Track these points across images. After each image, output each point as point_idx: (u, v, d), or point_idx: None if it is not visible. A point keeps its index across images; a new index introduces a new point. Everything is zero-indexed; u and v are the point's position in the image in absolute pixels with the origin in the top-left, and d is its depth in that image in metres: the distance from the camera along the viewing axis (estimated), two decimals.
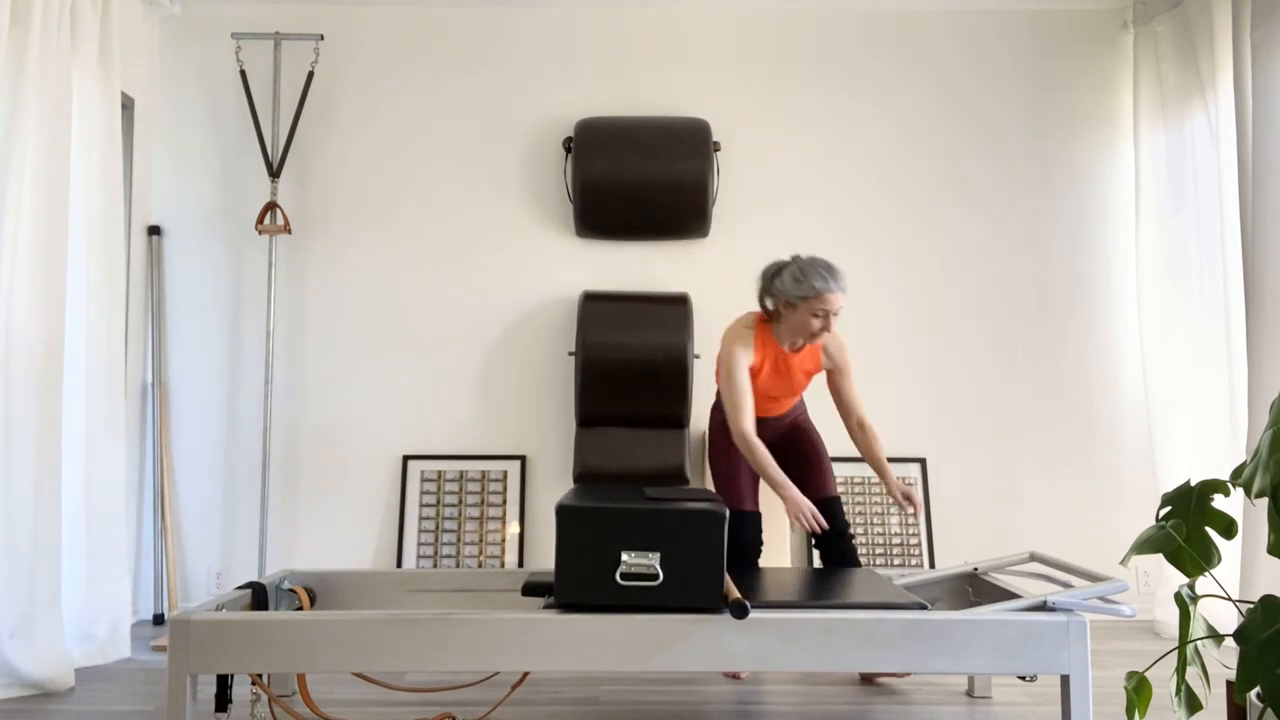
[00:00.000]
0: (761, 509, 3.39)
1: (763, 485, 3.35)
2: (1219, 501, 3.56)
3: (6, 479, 3.14)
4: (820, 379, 3.84)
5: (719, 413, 3.44)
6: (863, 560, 4.20)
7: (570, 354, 4.29)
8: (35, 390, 3.22)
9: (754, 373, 3.28)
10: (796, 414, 3.46)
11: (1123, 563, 2.06)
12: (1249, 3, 3.51)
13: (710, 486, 4.21)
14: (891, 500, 3.35)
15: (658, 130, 4.19)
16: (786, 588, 2.81)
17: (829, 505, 3.32)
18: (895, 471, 4.31)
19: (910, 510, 3.25)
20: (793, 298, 3.16)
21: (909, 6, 4.45)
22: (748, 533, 3.30)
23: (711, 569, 2.50)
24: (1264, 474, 1.80)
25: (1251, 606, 1.72)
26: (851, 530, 3.36)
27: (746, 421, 3.18)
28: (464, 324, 4.38)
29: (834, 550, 3.30)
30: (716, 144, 4.35)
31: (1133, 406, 4.37)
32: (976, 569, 3.19)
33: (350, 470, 4.33)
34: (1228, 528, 1.89)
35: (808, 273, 3.14)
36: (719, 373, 3.27)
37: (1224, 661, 3.30)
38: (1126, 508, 4.34)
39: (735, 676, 3.34)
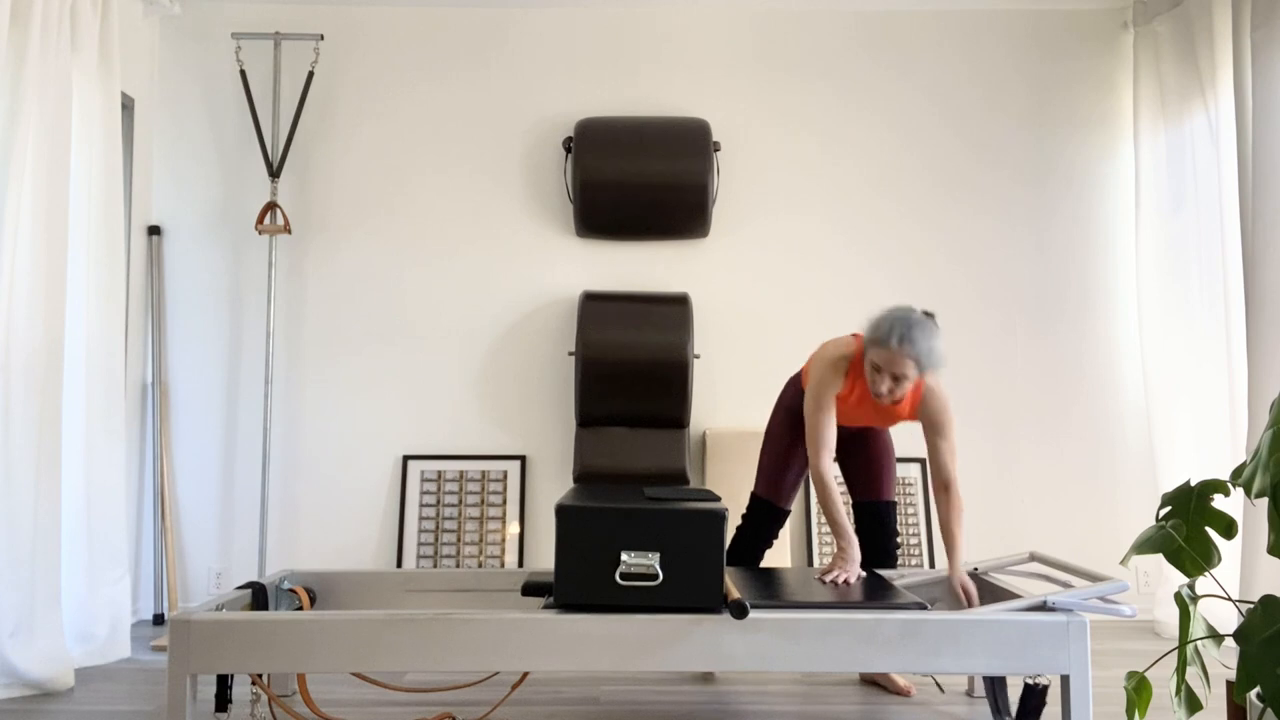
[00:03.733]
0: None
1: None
2: (1219, 501, 3.56)
3: (6, 479, 3.14)
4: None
5: (789, 391, 3.29)
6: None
7: (570, 354, 4.28)
8: (35, 390, 3.22)
9: (841, 399, 3.06)
10: None
11: (1123, 563, 2.06)
12: (1249, 3, 3.51)
13: (708, 481, 4.21)
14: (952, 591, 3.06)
15: (658, 130, 4.19)
16: (786, 588, 2.81)
17: (883, 509, 3.28)
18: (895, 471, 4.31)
19: (964, 604, 2.92)
20: (866, 341, 2.88)
21: (909, 6, 4.45)
22: (771, 528, 3.30)
23: (711, 569, 2.50)
24: (1264, 474, 1.80)
25: (1251, 606, 1.72)
26: (900, 539, 3.30)
27: (825, 459, 2.98)
28: (464, 324, 4.38)
29: (878, 553, 3.26)
30: (716, 144, 4.35)
31: (1133, 406, 4.37)
32: (977, 569, 3.19)
33: (350, 470, 4.33)
34: (1228, 528, 1.89)
35: (888, 321, 2.83)
36: (807, 398, 3.04)
37: (1224, 661, 3.30)
38: (1126, 508, 4.34)
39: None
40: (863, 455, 3.31)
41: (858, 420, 3.15)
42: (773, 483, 3.29)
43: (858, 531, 3.30)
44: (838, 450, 3.36)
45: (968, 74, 4.47)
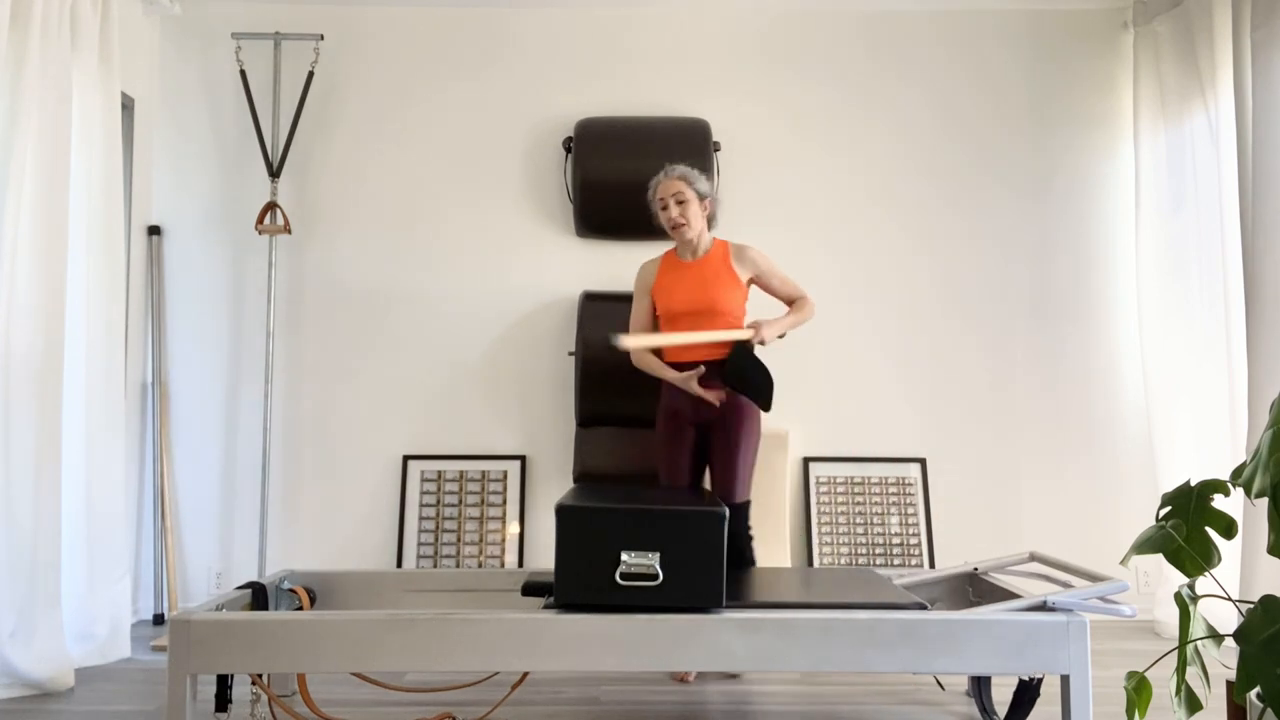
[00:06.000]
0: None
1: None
2: (1219, 501, 3.56)
3: (6, 479, 3.14)
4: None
5: (660, 399, 3.48)
6: (862, 560, 4.21)
7: (570, 354, 4.28)
8: (35, 390, 3.22)
9: (658, 292, 3.41)
10: (735, 401, 3.32)
11: (1123, 563, 2.06)
12: (1249, 3, 3.51)
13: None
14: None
15: (658, 130, 4.19)
16: (786, 588, 2.81)
17: (733, 510, 3.31)
18: (895, 472, 4.31)
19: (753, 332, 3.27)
20: (650, 203, 3.46)
21: (909, 6, 4.45)
22: None
23: (711, 569, 2.50)
24: (1264, 474, 1.80)
25: (1251, 606, 1.72)
26: (752, 535, 3.37)
27: (630, 336, 3.30)
28: (464, 324, 4.38)
29: (730, 552, 3.31)
30: (716, 144, 4.35)
31: (1133, 406, 4.37)
32: (976, 569, 3.19)
33: (350, 470, 4.33)
34: (1228, 528, 1.89)
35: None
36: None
37: (1224, 661, 3.30)
38: (1126, 508, 4.34)
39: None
40: (716, 447, 3.32)
41: (694, 294, 3.32)
42: (672, 477, 3.40)
43: None
44: (705, 445, 3.41)
45: (967, 74, 4.47)
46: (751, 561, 3.34)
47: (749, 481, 3.33)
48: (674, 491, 2.92)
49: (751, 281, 3.42)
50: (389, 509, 4.32)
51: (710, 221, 3.44)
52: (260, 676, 2.65)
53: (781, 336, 3.44)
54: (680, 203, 3.32)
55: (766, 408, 3.25)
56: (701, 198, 3.37)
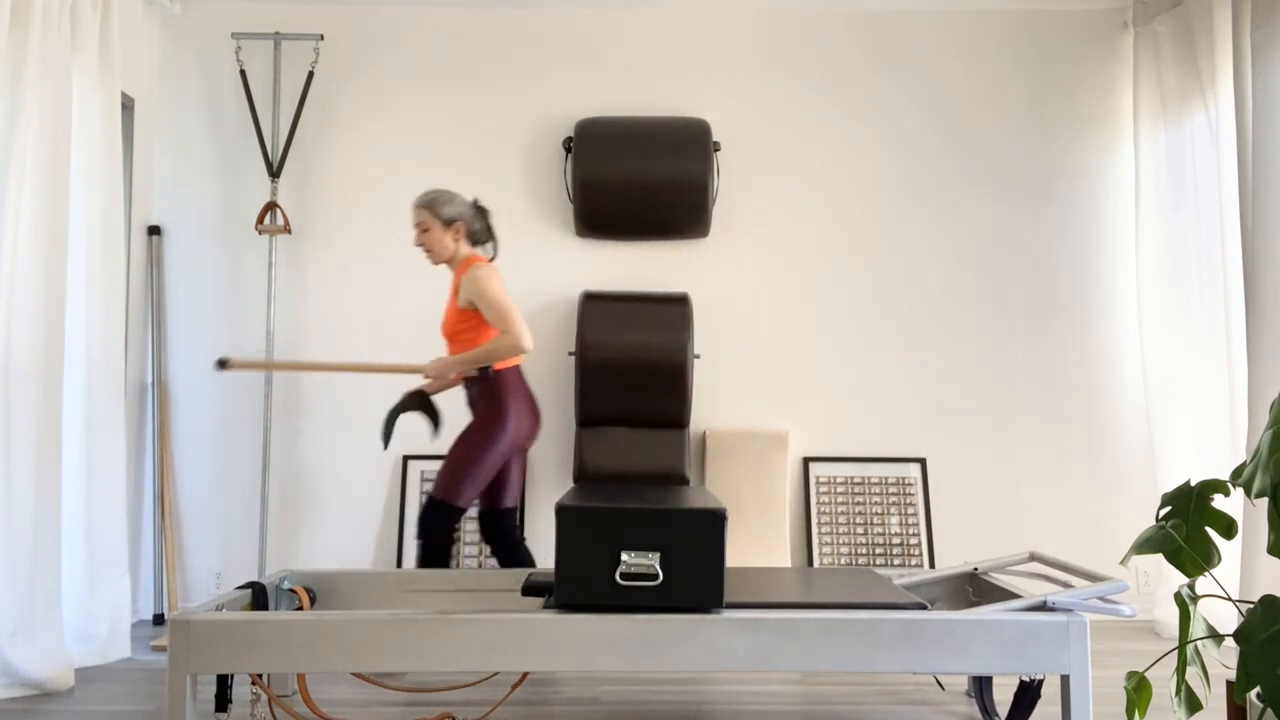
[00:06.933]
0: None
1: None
2: (1219, 501, 3.57)
3: (6, 479, 3.14)
4: None
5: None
6: (862, 560, 4.21)
7: (570, 354, 4.28)
8: (35, 390, 3.22)
9: None
10: (473, 393, 3.40)
11: (1123, 563, 2.06)
12: (1249, 3, 3.51)
13: (708, 481, 4.21)
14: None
15: (658, 130, 4.19)
16: (786, 588, 2.81)
17: (501, 515, 3.48)
18: (895, 472, 4.31)
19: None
20: None
21: (909, 6, 4.45)
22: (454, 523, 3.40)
23: (712, 569, 2.50)
24: (1264, 474, 1.80)
25: (1251, 606, 1.72)
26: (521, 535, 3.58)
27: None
28: None
29: (508, 555, 3.48)
30: (716, 144, 4.35)
31: (1133, 407, 4.37)
32: (976, 569, 3.19)
33: (350, 470, 4.33)
34: (1228, 528, 1.89)
35: None
36: None
37: (1224, 661, 3.30)
38: (1126, 508, 4.34)
39: None
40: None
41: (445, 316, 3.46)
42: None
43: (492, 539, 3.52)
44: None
45: (967, 74, 4.47)
46: (434, 563, 3.34)
47: (449, 484, 3.29)
48: (674, 491, 2.92)
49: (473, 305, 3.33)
50: (389, 509, 4.32)
51: (476, 240, 3.47)
52: (260, 676, 2.65)
53: (488, 375, 3.30)
54: (424, 230, 3.39)
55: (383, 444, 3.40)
56: (448, 223, 3.38)
